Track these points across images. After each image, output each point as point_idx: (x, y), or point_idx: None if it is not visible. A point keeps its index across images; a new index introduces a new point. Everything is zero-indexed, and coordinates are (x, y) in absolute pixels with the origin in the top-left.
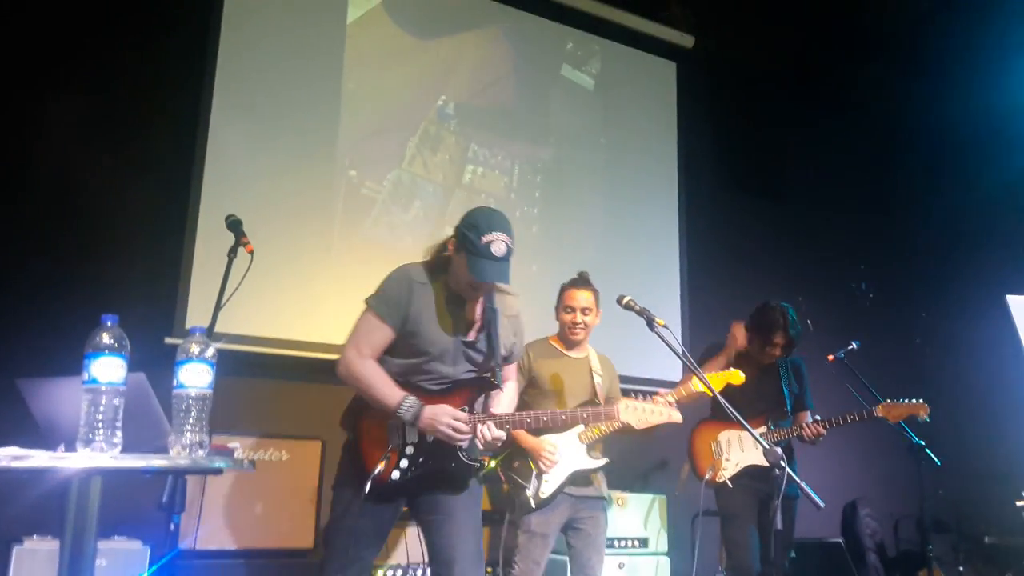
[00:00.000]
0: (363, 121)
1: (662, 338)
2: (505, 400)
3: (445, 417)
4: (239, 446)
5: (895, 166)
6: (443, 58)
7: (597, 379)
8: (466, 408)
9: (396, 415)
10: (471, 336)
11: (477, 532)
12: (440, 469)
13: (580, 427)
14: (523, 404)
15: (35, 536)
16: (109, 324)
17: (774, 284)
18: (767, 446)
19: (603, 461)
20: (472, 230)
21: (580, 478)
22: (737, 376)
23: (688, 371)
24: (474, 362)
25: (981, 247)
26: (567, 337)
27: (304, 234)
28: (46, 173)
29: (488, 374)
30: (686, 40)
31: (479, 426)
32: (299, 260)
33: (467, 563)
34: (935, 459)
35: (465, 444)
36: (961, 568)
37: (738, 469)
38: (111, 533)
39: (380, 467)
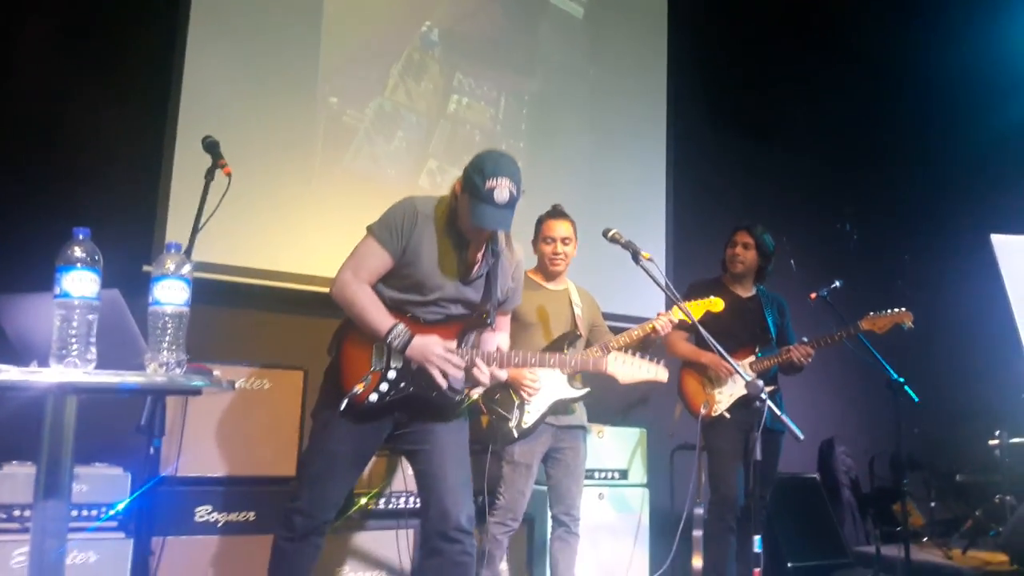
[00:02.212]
0: (344, 46)
1: (647, 271)
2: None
3: (437, 348)
4: (219, 373)
5: (885, 108)
6: None
7: (577, 311)
8: (457, 341)
9: (385, 342)
10: (470, 276)
11: (465, 460)
12: (420, 398)
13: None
14: None
15: (14, 462)
16: (81, 237)
17: (759, 222)
18: (748, 378)
19: (585, 391)
20: (478, 173)
21: (561, 407)
22: (717, 303)
23: (672, 306)
24: (469, 302)
25: (966, 189)
26: (547, 268)
27: (285, 162)
28: (21, 95)
29: (483, 314)
30: None
31: (477, 362)
32: (280, 189)
33: (458, 492)
34: (913, 395)
35: (457, 384)
36: (933, 504)
37: (732, 401)
38: (92, 460)
39: (359, 387)
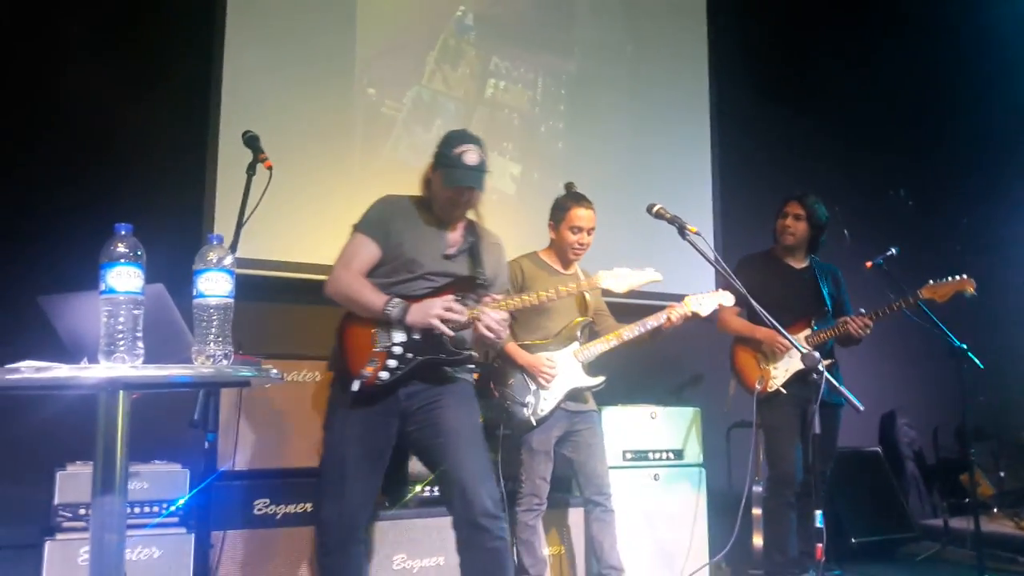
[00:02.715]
0: (380, 35)
1: (694, 245)
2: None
3: (435, 307)
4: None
5: (936, 69)
6: None
7: (587, 295)
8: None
9: (384, 314)
10: (451, 250)
11: (480, 443)
12: (430, 366)
13: (575, 344)
14: (512, 320)
15: (78, 462)
16: (123, 233)
17: (810, 191)
18: (804, 350)
19: (600, 379)
20: (445, 145)
21: (576, 394)
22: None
23: (722, 281)
24: (455, 274)
25: (1020, 152)
26: (567, 256)
27: (325, 154)
28: (66, 94)
29: (474, 277)
30: None
31: (481, 314)
32: (320, 181)
33: (478, 477)
34: (977, 362)
35: (458, 329)
36: (1002, 474)
37: (788, 376)
38: (151, 457)
39: (367, 370)
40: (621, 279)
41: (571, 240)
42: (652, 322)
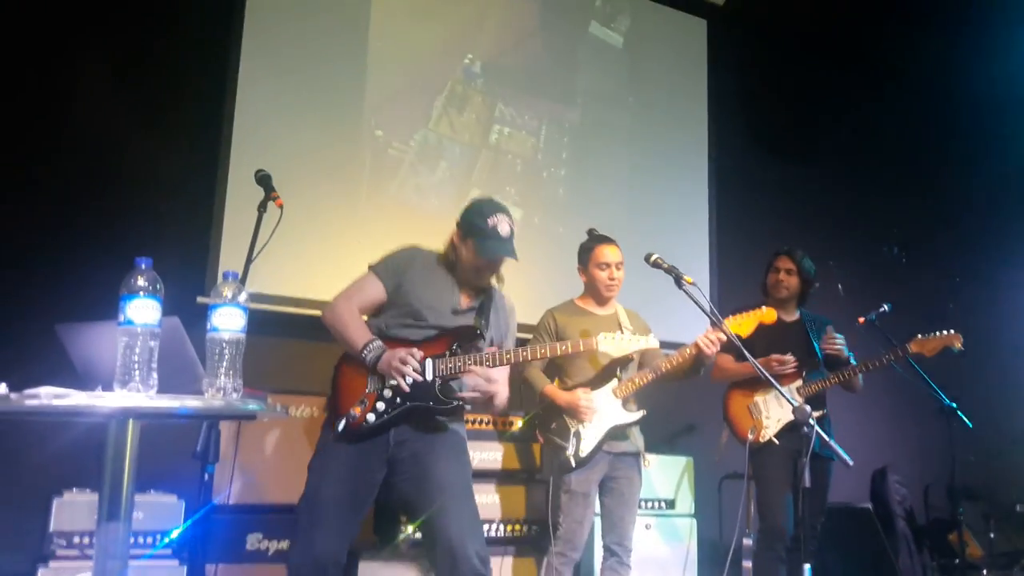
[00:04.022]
0: (389, 80)
1: (690, 296)
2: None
3: (395, 356)
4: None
5: (930, 129)
6: (469, 16)
7: (627, 332)
8: (447, 353)
9: (361, 356)
10: (462, 307)
11: (469, 494)
12: (417, 412)
13: (614, 382)
14: (554, 367)
15: (74, 489)
16: (143, 267)
17: (805, 247)
18: (795, 403)
19: (640, 414)
20: (478, 216)
21: (617, 432)
22: (770, 314)
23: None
24: (462, 326)
25: (1017, 209)
26: (601, 294)
27: (332, 193)
28: (80, 130)
29: (475, 328)
30: None
31: (471, 367)
32: (328, 220)
33: (465, 532)
34: (967, 421)
35: (409, 379)
36: (992, 535)
37: (780, 426)
38: (147, 487)
39: (356, 410)
40: (618, 343)
41: (601, 277)
42: (691, 349)
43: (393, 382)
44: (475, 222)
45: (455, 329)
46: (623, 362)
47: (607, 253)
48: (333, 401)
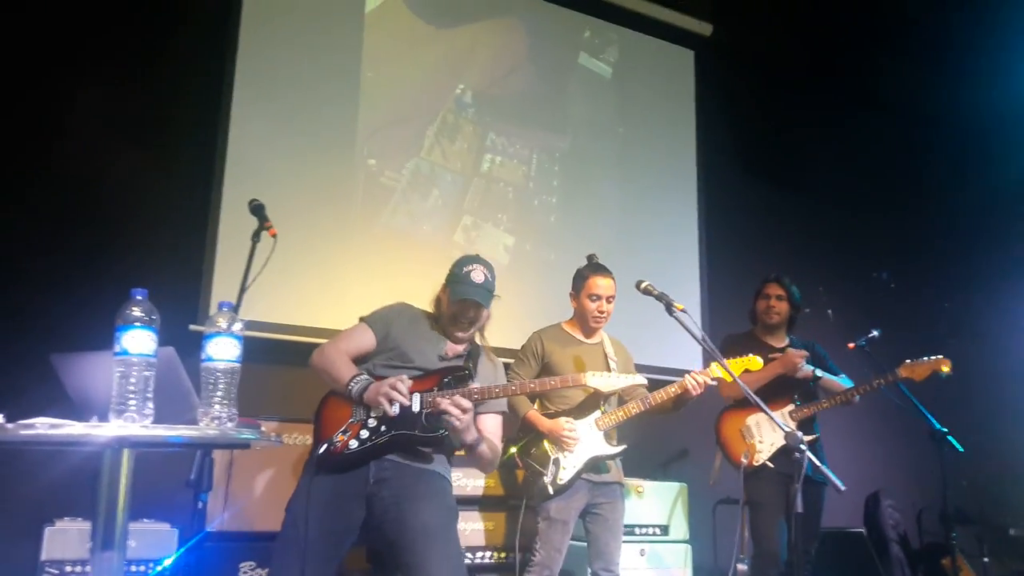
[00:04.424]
0: (381, 110)
1: (681, 323)
2: (484, 455)
3: (385, 384)
4: (264, 428)
5: (916, 154)
6: (461, 47)
7: (612, 364)
8: (435, 388)
9: (347, 389)
10: (449, 356)
11: (454, 543)
12: (403, 443)
13: (597, 413)
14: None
15: (66, 518)
16: (139, 298)
17: (794, 273)
18: (787, 429)
19: (621, 448)
20: (457, 266)
21: (597, 464)
22: (755, 362)
23: (708, 358)
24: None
25: (1004, 235)
26: (589, 325)
27: (325, 222)
28: (73, 159)
29: (464, 370)
30: (704, 28)
31: (456, 399)
32: (321, 248)
33: None
34: (958, 446)
35: (396, 406)
36: (986, 560)
37: (773, 450)
38: (140, 516)
39: (338, 437)
40: (607, 380)
41: (590, 308)
42: (676, 389)
43: (378, 412)
44: (454, 271)
45: (444, 368)
46: (607, 394)
47: (600, 285)
48: (316, 434)
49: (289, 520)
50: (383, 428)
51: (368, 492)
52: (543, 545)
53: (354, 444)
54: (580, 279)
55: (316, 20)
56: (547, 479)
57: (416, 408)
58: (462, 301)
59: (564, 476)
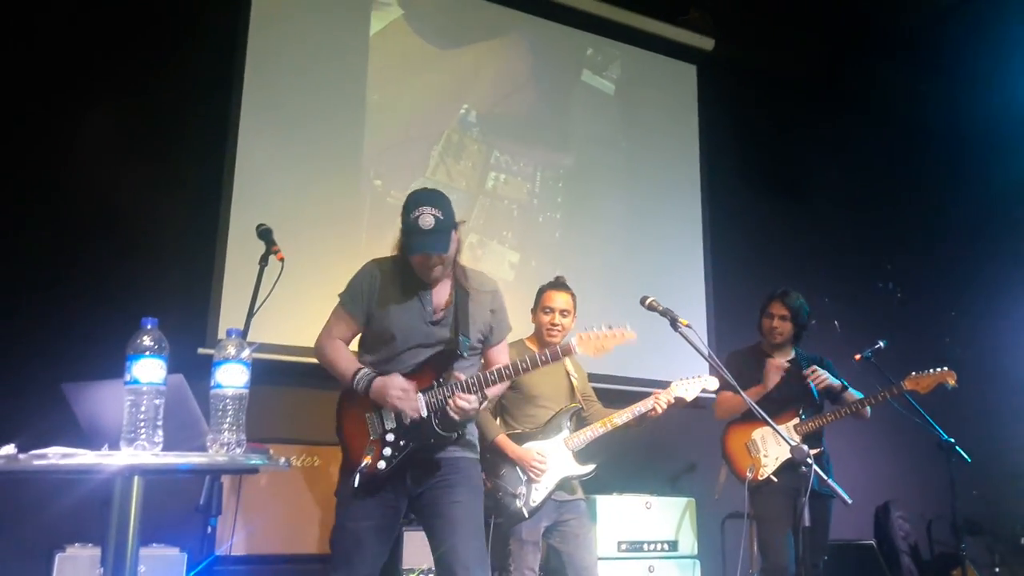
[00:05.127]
0: (387, 131)
1: (686, 338)
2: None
3: (394, 389)
4: (272, 452)
5: (918, 164)
6: (464, 67)
7: (573, 380)
8: (436, 383)
9: (353, 386)
10: (437, 316)
11: (479, 531)
12: (423, 448)
13: (565, 432)
14: (502, 408)
15: (76, 544)
16: (149, 327)
17: (800, 285)
18: (793, 443)
19: (590, 467)
20: (404, 209)
21: (566, 484)
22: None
23: (713, 371)
24: (444, 340)
25: (1008, 243)
26: (544, 339)
27: (332, 242)
28: (81, 185)
29: (454, 347)
30: (705, 43)
31: (458, 395)
32: (328, 268)
33: (470, 566)
34: (965, 456)
35: (415, 415)
36: (997, 570)
37: (779, 464)
38: (149, 541)
39: (366, 460)
40: (591, 341)
41: (543, 321)
42: (640, 408)
43: (391, 425)
44: (403, 216)
45: (435, 357)
46: (573, 410)
47: (552, 298)
48: (344, 450)
49: (340, 517)
50: (402, 442)
51: (408, 489)
52: (517, 567)
53: (382, 464)
54: (538, 294)
55: (321, 43)
56: (520, 503)
57: (424, 414)
58: (415, 257)
59: (536, 498)
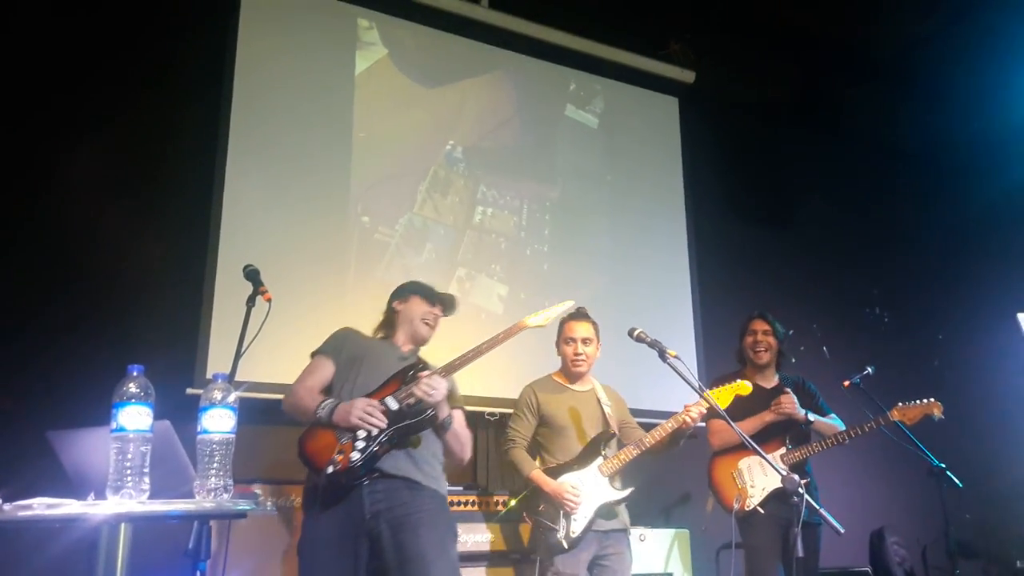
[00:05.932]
0: (374, 168)
1: (675, 369)
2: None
3: (356, 409)
4: (260, 493)
5: (901, 188)
6: (449, 104)
7: (607, 409)
8: (402, 385)
9: (316, 416)
10: (405, 351)
11: (451, 566)
12: (400, 434)
13: (600, 459)
14: (537, 444)
15: None
16: (135, 374)
17: (787, 312)
18: (783, 473)
19: (628, 491)
20: (415, 283)
21: (606, 510)
22: (744, 387)
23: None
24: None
25: (993, 264)
26: (570, 370)
27: (320, 281)
28: (65, 226)
29: (417, 363)
30: (687, 76)
31: (423, 382)
32: (316, 306)
33: None
34: (956, 481)
35: (374, 431)
36: None
37: (765, 494)
38: None
39: (337, 457)
40: (541, 315)
41: (567, 352)
42: (671, 424)
43: (363, 432)
44: (413, 286)
45: (401, 371)
46: (606, 437)
47: (573, 328)
48: (309, 466)
49: (304, 565)
50: (375, 433)
51: (368, 528)
52: None
53: (355, 456)
54: (560, 327)
55: (307, 84)
56: (560, 534)
57: (395, 406)
58: (442, 303)
59: (576, 528)
